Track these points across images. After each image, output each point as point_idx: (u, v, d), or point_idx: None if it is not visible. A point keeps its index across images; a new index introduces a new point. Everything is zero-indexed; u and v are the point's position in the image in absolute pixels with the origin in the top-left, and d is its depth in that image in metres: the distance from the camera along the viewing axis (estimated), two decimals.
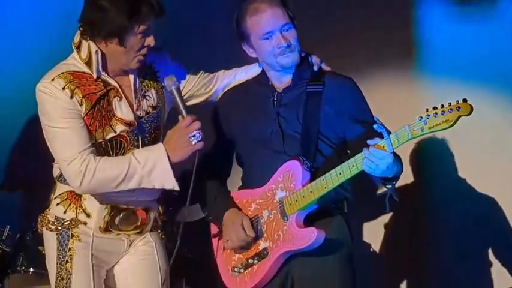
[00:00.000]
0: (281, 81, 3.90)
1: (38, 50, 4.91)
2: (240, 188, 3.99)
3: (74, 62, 3.72)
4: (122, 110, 3.74)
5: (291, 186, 3.72)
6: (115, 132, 3.72)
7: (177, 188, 3.68)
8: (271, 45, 3.79)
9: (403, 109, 4.88)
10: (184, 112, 3.67)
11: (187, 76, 3.98)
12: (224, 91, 4.04)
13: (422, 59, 5.38)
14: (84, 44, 3.69)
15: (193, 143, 3.63)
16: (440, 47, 5.31)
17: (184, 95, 3.90)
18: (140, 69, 3.82)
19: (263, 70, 3.95)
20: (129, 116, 3.75)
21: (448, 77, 5.20)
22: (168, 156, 3.65)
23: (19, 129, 5.21)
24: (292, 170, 3.73)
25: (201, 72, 4.03)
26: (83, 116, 3.65)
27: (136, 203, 3.83)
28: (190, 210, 3.89)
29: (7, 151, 5.25)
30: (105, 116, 3.70)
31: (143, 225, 3.87)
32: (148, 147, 3.74)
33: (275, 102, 3.88)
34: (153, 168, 3.65)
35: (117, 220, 3.80)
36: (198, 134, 3.63)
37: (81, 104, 3.65)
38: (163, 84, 3.82)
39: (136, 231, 3.86)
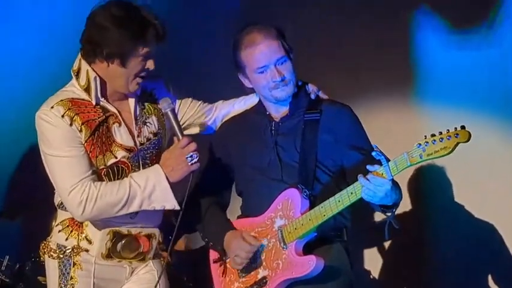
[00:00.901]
0: (278, 110, 3.91)
1: (39, 77, 4.91)
2: (239, 217, 3.99)
3: (73, 89, 3.73)
4: (122, 136, 3.75)
5: (290, 214, 3.72)
6: (116, 157, 3.72)
7: (177, 207, 3.68)
8: (265, 79, 3.80)
9: (402, 136, 4.90)
10: (179, 134, 3.70)
11: (188, 104, 4.00)
12: (223, 121, 4.05)
13: (421, 86, 5.41)
14: (83, 70, 3.70)
15: (190, 163, 3.65)
16: (439, 73, 5.34)
17: (184, 123, 3.92)
18: (141, 96, 3.83)
19: (260, 100, 3.96)
20: (129, 142, 3.76)
21: (447, 103, 5.23)
22: (167, 176, 3.66)
23: (18, 156, 5.20)
24: (291, 198, 3.73)
25: (200, 101, 4.05)
26: (83, 143, 3.66)
27: (138, 229, 3.82)
28: (190, 238, 3.89)
29: (6, 178, 5.24)
30: (105, 142, 3.71)
31: (145, 253, 3.85)
32: (145, 170, 3.74)
33: (273, 131, 3.89)
34: (153, 190, 3.66)
35: (119, 246, 3.78)
36: (194, 155, 3.65)
37: (80, 131, 3.65)
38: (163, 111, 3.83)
39: (138, 259, 3.85)
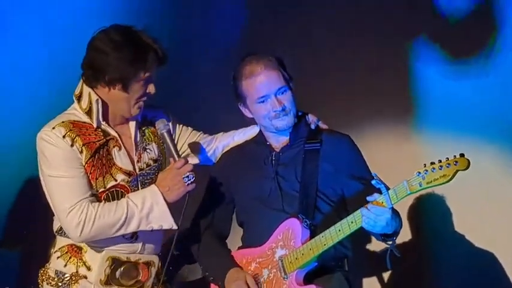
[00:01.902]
0: (279, 140, 3.92)
1: (39, 107, 4.92)
2: (239, 248, 3.98)
3: (75, 112, 3.75)
4: (122, 160, 3.76)
5: (291, 244, 3.71)
6: (115, 180, 3.73)
7: (175, 226, 3.69)
8: (266, 109, 3.81)
9: (402, 164, 4.90)
10: (175, 154, 3.72)
11: (188, 133, 4.02)
12: (223, 152, 4.06)
13: (421, 114, 5.41)
14: (85, 93, 3.71)
15: (186, 183, 3.66)
16: (438, 102, 5.35)
17: (183, 152, 3.94)
18: (142, 123, 3.85)
19: (261, 130, 3.97)
20: (128, 166, 3.77)
21: (447, 131, 5.23)
22: (163, 196, 3.67)
23: (18, 186, 5.21)
24: (292, 228, 3.73)
25: (200, 132, 4.06)
26: (83, 165, 3.67)
27: (138, 256, 3.81)
28: (191, 269, 3.88)
29: (6, 208, 5.24)
30: (105, 164, 3.72)
31: (144, 281, 3.84)
32: (142, 190, 3.75)
33: (273, 161, 3.89)
34: (150, 210, 3.66)
35: (117, 273, 3.77)
36: (191, 176, 3.67)
37: (81, 152, 3.67)
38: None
39: (137, 287, 3.83)
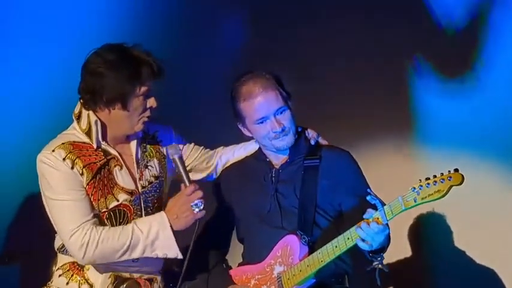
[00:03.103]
0: (278, 157, 3.92)
1: (40, 126, 4.95)
2: (240, 264, 3.98)
3: (74, 132, 3.74)
4: (124, 179, 3.75)
5: (289, 260, 3.71)
6: (118, 200, 3.72)
7: (180, 256, 3.67)
8: (265, 130, 3.81)
9: (402, 181, 4.88)
10: (186, 180, 3.67)
11: (190, 148, 4.01)
12: (223, 168, 4.06)
13: (419, 131, 5.44)
14: (84, 114, 3.71)
15: (195, 211, 3.63)
16: (437, 120, 5.37)
17: (186, 167, 3.91)
18: (143, 138, 3.85)
19: (260, 147, 3.97)
20: (131, 185, 3.76)
21: (447, 148, 5.24)
22: (171, 224, 3.65)
23: (18, 202, 5.23)
24: (290, 244, 3.73)
25: (202, 147, 4.06)
26: (84, 186, 3.66)
27: (140, 273, 3.81)
28: (191, 286, 3.88)
29: (6, 224, 5.27)
30: (107, 184, 3.71)
31: None
32: (149, 216, 3.73)
33: (273, 178, 3.89)
34: (156, 237, 3.64)
35: None
36: (200, 203, 3.63)
37: (82, 174, 3.66)
38: (166, 153, 3.85)
39: None
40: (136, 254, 3.66)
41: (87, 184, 3.66)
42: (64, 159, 3.64)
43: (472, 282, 5.23)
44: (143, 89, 3.65)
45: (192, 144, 4.05)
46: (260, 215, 3.86)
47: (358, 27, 5.51)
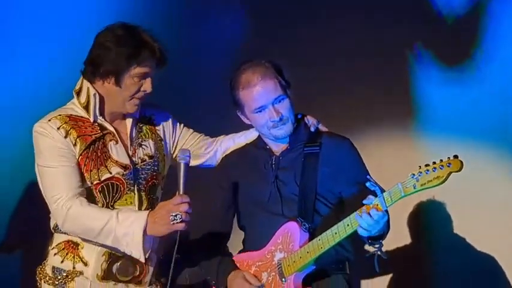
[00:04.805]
0: (278, 145, 3.93)
1: (41, 107, 4.98)
2: (240, 251, 4.00)
3: (73, 107, 3.80)
4: (118, 153, 3.79)
5: (289, 247, 3.72)
6: (110, 173, 3.75)
7: (142, 260, 3.67)
8: (264, 118, 3.81)
9: (403, 169, 4.90)
10: (181, 188, 3.61)
11: (189, 133, 4.05)
12: (223, 155, 4.07)
13: (420, 119, 5.46)
14: (84, 88, 3.76)
15: (171, 222, 3.56)
16: (437, 108, 5.40)
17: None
18: (139, 119, 3.88)
19: (260, 135, 3.98)
20: (125, 160, 3.79)
21: (448, 136, 5.26)
22: (146, 227, 3.63)
23: (19, 190, 5.24)
24: (290, 231, 3.74)
25: (201, 134, 4.09)
26: (77, 157, 3.71)
27: None
28: (192, 272, 3.89)
29: (7, 212, 5.29)
30: (100, 156, 3.75)
31: (141, 276, 3.84)
32: (136, 211, 3.75)
33: (273, 165, 3.90)
34: (127, 233, 3.64)
35: (114, 268, 3.78)
36: (179, 216, 3.54)
37: (75, 145, 3.71)
38: (161, 137, 3.90)
39: (134, 282, 3.84)
40: (107, 241, 3.66)
41: (80, 155, 3.71)
42: (58, 128, 3.71)
43: (470, 269, 5.26)
44: (139, 69, 3.69)
45: (191, 130, 4.08)
46: (260, 203, 3.87)
47: (360, 14, 5.52)
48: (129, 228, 3.63)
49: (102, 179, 3.74)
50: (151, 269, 3.88)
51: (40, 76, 5.31)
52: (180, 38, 5.50)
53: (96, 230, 3.64)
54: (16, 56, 5.35)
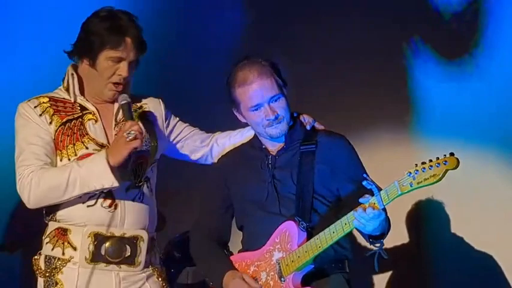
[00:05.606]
0: (274, 144, 3.92)
1: None
2: (239, 251, 3.99)
3: (57, 91, 3.88)
4: (96, 132, 3.81)
5: (288, 247, 3.72)
6: (87, 148, 3.77)
7: (116, 184, 3.66)
8: (259, 117, 3.81)
9: (400, 168, 4.91)
10: (129, 119, 3.74)
11: (183, 127, 4.08)
12: (220, 154, 4.08)
13: (418, 117, 5.46)
14: (68, 73, 3.85)
15: (127, 139, 3.63)
16: (435, 105, 5.40)
17: (177, 142, 4.03)
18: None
19: (256, 134, 3.97)
20: (102, 138, 3.81)
21: (446, 135, 5.25)
22: (108, 158, 3.65)
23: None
24: (289, 230, 3.73)
25: (196, 128, 4.11)
26: (53, 135, 3.75)
27: (122, 231, 3.79)
28: (192, 272, 3.89)
29: (6, 212, 5.29)
30: (76, 133, 3.78)
31: (134, 257, 3.81)
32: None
33: (270, 165, 3.89)
34: (91, 169, 3.66)
35: (102, 249, 3.77)
36: (132, 133, 3.63)
37: (50, 123, 3.77)
38: (152, 122, 3.92)
39: (126, 263, 3.81)
40: (78, 190, 3.67)
41: (56, 131, 3.76)
42: (36, 106, 3.78)
43: (469, 269, 5.26)
44: (113, 52, 3.73)
45: (186, 123, 4.11)
46: (258, 202, 3.86)
47: (358, 10, 5.51)
48: (91, 163, 3.67)
49: (79, 154, 3.75)
50: (143, 248, 3.84)
51: (40, 76, 5.30)
52: (179, 39, 5.50)
53: (63, 184, 3.66)
54: (16, 55, 5.36)
